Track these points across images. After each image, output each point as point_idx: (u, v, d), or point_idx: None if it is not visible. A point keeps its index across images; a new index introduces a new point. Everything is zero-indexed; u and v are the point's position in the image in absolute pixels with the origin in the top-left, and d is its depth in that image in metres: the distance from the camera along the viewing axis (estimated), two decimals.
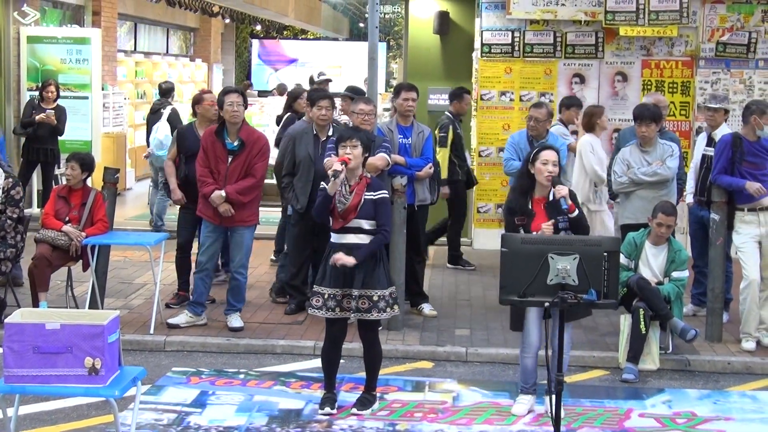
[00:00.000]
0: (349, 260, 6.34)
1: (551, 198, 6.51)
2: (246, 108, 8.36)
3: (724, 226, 8.19)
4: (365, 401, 6.68)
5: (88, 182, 8.77)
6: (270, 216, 11.37)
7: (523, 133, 9.26)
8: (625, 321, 7.74)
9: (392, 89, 12.35)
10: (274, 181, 9.55)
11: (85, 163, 8.58)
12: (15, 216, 8.34)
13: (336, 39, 32.76)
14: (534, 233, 6.39)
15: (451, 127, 10.51)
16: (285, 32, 31.22)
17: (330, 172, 6.35)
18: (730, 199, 8.19)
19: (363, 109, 8.20)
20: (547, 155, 6.48)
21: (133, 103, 19.25)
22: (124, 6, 19.03)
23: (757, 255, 8.13)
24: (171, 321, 8.38)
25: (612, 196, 9.13)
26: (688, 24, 11.66)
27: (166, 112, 13.78)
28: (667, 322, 7.75)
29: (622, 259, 7.66)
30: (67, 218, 8.47)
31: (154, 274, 8.54)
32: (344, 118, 10.09)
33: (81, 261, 8.54)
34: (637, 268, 7.89)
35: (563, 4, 11.73)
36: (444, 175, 10.16)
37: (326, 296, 6.44)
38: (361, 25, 37.76)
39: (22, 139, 13.28)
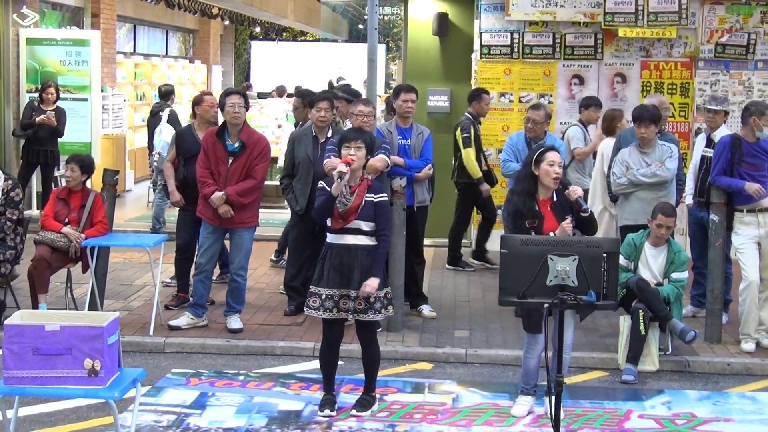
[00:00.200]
0: (374, 284, 6.40)
1: (555, 198, 6.50)
2: (247, 109, 8.36)
3: (724, 227, 8.20)
4: (365, 402, 6.68)
5: (88, 184, 8.77)
6: (269, 217, 11.37)
7: (521, 134, 9.26)
8: (624, 322, 7.75)
9: (391, 91, 12.36)
10: (274, 182, 9.57)
11: (85, 164, 8.58)
12: (14, 218, 8.34)
13: (335, 40, 32.77)
14: (551, 233, 6.37)
15: (471, 127, 10.49)
16: (284, 34, 31.22)
17: (335, 174, 6.34)
18: (729, 201, 8.19)
19: (362, 111, 8.20)
20: (553, 156, 6.47)
21: (133, 105, 19.25)
22: (123, 8, 19.03)
23: (756, 256, 8.13)
24: (172, 323, 8.38)
25: (612, 197, 9.13)
26: (687, 25, 11.67)
27: (164, 114, 13.80)
28: (667, 323, 7.76)
29: (622, 261, 7.66)
30: (66, 220, 8.47)
31: (153, 276, 8.54)
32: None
33: (80, 263, 8.54)
34: (637, 270, 7.89)
35: (562, 6, 11.74)
36: (476, 173, 10.19)
37: (324, 297, 6.44)
38: (361, 26, 37.75)
39: (22, 141, 13.28)
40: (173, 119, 13.84)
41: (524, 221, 6.44)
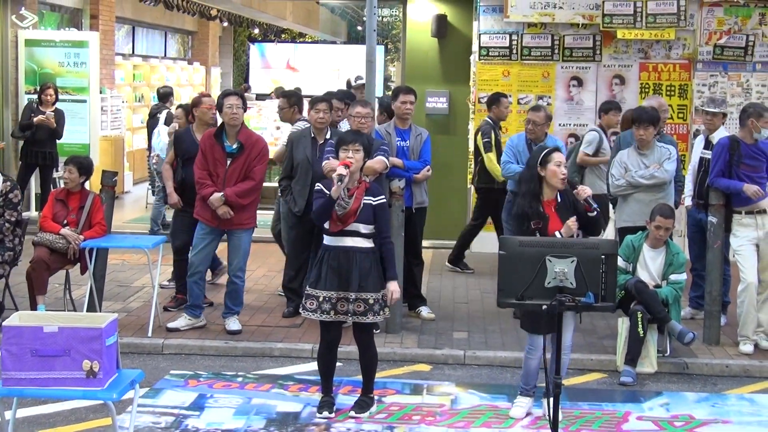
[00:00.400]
0: (397, 287, 6.52)
1: (560, 199, 6.49)
2: (245, 111, 8.36)
3: (722, 229, 8.20)
4: (363, 404, 6.68)
5: (87, 185, 8.77)
6: (267, 219, 11.34)
7: (521, 136, 9.25)
8: (622, 324, 7.75)
9: (390, 92, 12.36)
10: (273, 184, 9.57)
11: (83, 166, 8.58)
12: (13, 219, 8.34)
13: (334, 42, 32.76)
14: (557, 233, 6.36)
15: (492, 132, 10.42)
16: (283, 35, 31.22)
17: (335, 176, 6.33)
18: (728, 202, 8.19)
19: (360, 113, 8.20)
20: (560, 157, 6.46)
21: (131, 107, 19.26)
22: (122, 9, 19.03)
23: (754, 258, 8.13)
24: (171, 325, 8.37)
25: (610, 199, 9.14)
26: (686, 27, 11.68)
27: (162, 116, 13.80)
28: (665, 325, 7.76)
29: (620, 262, 7.67)
30: (65, 221, 8.46)
31: (152, 277, 8.54)
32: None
33: (79, 264, 8.54)
34: (635, 271, 7.89)
35: (561, 7, 11.75)
36: (500, 176, 10.12)
37: (321, 299, 6.43)
38: (359, 28, 37.75)
39: (21, 143, 13.28)
40: (170, 120, 13.83)
41: (529, 222, 6.42)
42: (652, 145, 8.46)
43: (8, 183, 8.42)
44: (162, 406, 6.81)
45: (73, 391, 5.11)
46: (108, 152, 15.88)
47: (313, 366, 7.36)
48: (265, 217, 10.68)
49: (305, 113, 9.45)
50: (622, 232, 8.41)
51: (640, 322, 7.54)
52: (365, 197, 6.44)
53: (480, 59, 12.04)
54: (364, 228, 6.42)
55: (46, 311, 7.90)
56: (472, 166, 10.94)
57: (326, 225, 6.48)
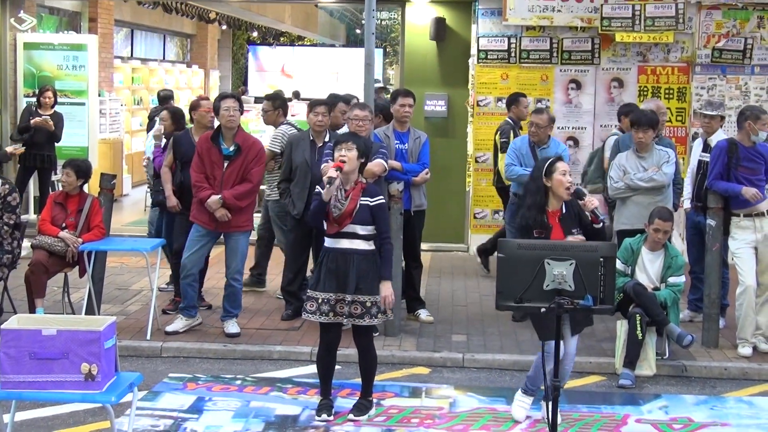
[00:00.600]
0: (389, 289, 6.44)
1: (564, 210, 6.46)
2: (242, 113, 8.36)
3: (721, 231, 8.20)
4: (362, 407, 6.67)
5: (85, 188, 8.76)
6: None
7: (524, 139, 9.21)
8: (621, 327, 7.75)
9: (389, 95, 12.35)
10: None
11: (81, 169, 8.58)
12: (12, 222, 8.34)
13: (333, 45, 32.79)
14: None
15: (511, 132, 10.37)
16: (282, 38, 31.24)
17: (325, 179, 6.35)
18: (726, 205, 8.20)
19: (357, 115, 8.19)
20: (563, 166, 6.41)
21: (130, 110, 19.26)
22: (121, 12, 19.04)
23: (753, 261, 8.14)
24: (169, 329, 8.36)
25: (609, 202, 9.14)
26: (684, 30, 11.69)
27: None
28: (664, 327, 7.76)
29: (619, 265, 7.67)
30: (63, 224, 8.46)
31: (150, 280, 8.53)
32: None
33: (78, 267, 8.53)
34: (634, 274, 7.89)
35: (559, 11, 11.76)
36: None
37: (320, 301, 6.44)
38: (358, 31, 37.77)
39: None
40: None
41: (532, 232, 6.40)
42: (651, 148, 8.47)
43: (7, 186, 8.42)
44: (161, 409, 6.80)
45: (72, 394, 5.11)
46: (107, 155, 15.88)
47: (312, 369, 7.36)
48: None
49: (289, 116, 9.46)
50: (621, 234, 8.41)
51: (638, 325, 7.54)
52: (362, 198, 6.43)
53: (479, 62, 12.05)
54: (361, 229, 6.42)
55: (44, 314, 7.90)
56: (494, 166, 10.87)
57: (326, 227, 6.49)
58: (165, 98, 15.16)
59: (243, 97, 14.72)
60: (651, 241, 7.88)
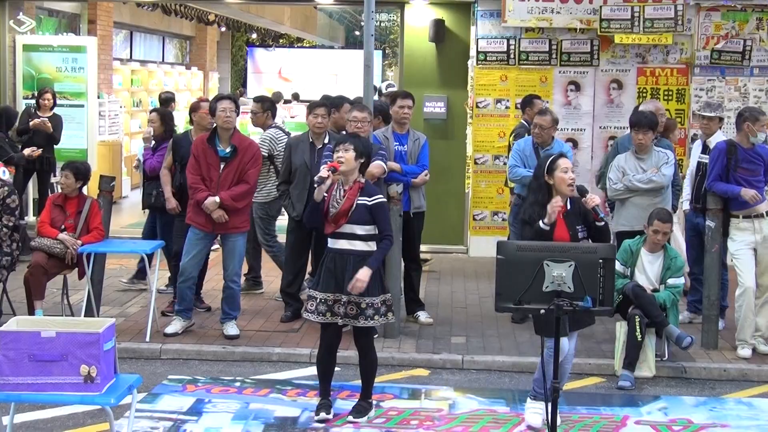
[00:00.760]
0: (365, 275, 6.31)
1: (570, 207, 6.46)
2: (238, 114, 8.36)
3: (720, 233, 8.20)
4: (361, 409, 6.67)
5: (84, 190, 8.76)
6: None
7: (528, 140, 9.16)
8: (620, 328, 7.75)
9: (387, 97, 12.33)
10: None
11: (79, 172, 8.58)
12: (11, 224, 8.34)
13: (332, 47, 32.80)
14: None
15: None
16: (281, 40, 31.26)
17: (316, 179, 6.39)
18: (725, 207, 8.20)
19: (356, 117, 8.19)
20: (565, 163, 6.40)
21: (129, 112, 19.25)
22: (120, 14, 19.04)
23: (752, 262, 8.14)
24: (168, 331, 8.36)
25: (608, 203, 9.14)
26: (683, 32, 11.70)
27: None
28: (663, 329, 7.75)
29: (618, 267, 7.67)
30: (62, 226, 8.46)
31: (149, 282, 8.52)
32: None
33: (77, 269, 8.53)
34: (633, 276, 7.89)
35: (558, 12, 11.76)
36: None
37: (318, 300, 6.46)
38: (357, 33, 37.79)
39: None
40: None
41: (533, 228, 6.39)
42: (650, 150, 8.47)
43: (6, 188, 8.42)
44: (160, 411, 6.80)
45: (71, 397, 5.11)
46: (106, 157, 15.87)
47: (311, 371, 7.36)
48: None
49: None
50: (620, 236, 8.41)
51: (638, 327, 7.54)
52: (360, 198, 6.43)
53: (478, 64, 12.06)
54: (360, 229, 6.42)
55: (43, 316, 7.89)
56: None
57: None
58: (166, 100, 15.14)
59: (241, 98, 14.73)
60: (650, 243, 7.88)
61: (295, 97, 22.16)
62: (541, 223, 6.27)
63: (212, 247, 8.50)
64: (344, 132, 8.52)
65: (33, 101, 13.20)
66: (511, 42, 11.97)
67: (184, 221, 8.83)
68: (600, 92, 11.98)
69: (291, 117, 18.72)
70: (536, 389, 6.65)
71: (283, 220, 9.58)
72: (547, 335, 6.04)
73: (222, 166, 8.13)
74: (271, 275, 10.21)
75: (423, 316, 9.04)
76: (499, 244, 5.44)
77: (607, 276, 5.27)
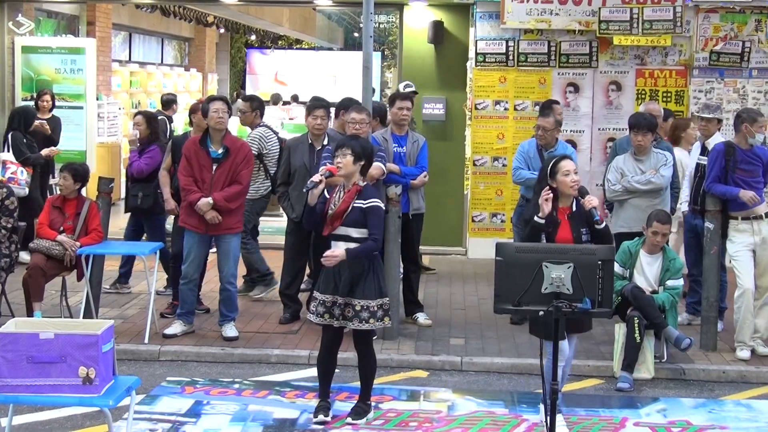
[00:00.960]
0: (334, 254, 6.34)
1: (574, 208, 6.45)
2: (230, 116, 8.36)
3: (718, 234, 8.20)
4: (360, 410, 6.66)
5: (83, 192, 8.76)
6: (264, 225, 11.33)
7: (532, 142, 9.13)
8: (619, 330, 7.75)
9: (387, 98, 12.35)
10: None
11: (78, 173, 8.58)
12: (9, 226, 8.33)
13: (331, 49, 32.81)
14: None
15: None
16: (280, 42, 31.27)
17: (308, 183, 6.43)
18: (724, 208, 8.20)
19: (354, 118, 8.18)
20: (567, 165, 6.39)
21: (128, 113, 19.23)
22: (119, 16, 19.04)
23: (751, 264, 8.14)
24: (167, 332, 8.35)
25: (607, 204, 9.14)
26: (682, 33, 11.70)
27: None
28: (662, 331, 7.75)
29: (617, 268, 7.67)
30: (61, 228, 8.46)
31: (148, 284, 8.53)
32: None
33: (75, 271, 8.53)
34: (632, 277, 7.89)
35: (557, 14, 11.77)
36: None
37: (318, 302, 6.48)
38: (356, 34, 37.82)
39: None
40: (163, 127, 13.81)
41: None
42: (649, 151, 8.48)
43: (4, 190, 8.41)
44: (158, 412, 6.79)
45: (70, 398, 5.11)
46: (104, 159, 15.87)
47: (310, 372, 7.36)
48: (266, 223, 10.67)
49: (266, 119, 9.47)
50: (619, 237, 8.40)
51: (637, 328, 7.54)
52: (356, 201, 6.44)
53: (476, 65, 12.06)
54: (355, 232, 6.42)
55: (42, 318, 7.89)
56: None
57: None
58: (168, 102, 15.16)
59: (239, 99, 14.70)
60: (649, 244, 7.88)
61: (294, 98, 22.14)
62: (536, 217, 6.28)
63: (211, 249, 8.50)
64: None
65: (32, 103, 13.20)
66: (510, 43, 11.97)
67: None
68: (599, 94, 11.98)
69: (290, 119, 18.71)
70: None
71: (282, 222, 9.58)
72: (540, 335, 6.07)
73: (214, 168, 8.13)
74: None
75: (422, 317, 9.04)
76: (498, 245, 5.44)
77: (606, 277, 5.28)
